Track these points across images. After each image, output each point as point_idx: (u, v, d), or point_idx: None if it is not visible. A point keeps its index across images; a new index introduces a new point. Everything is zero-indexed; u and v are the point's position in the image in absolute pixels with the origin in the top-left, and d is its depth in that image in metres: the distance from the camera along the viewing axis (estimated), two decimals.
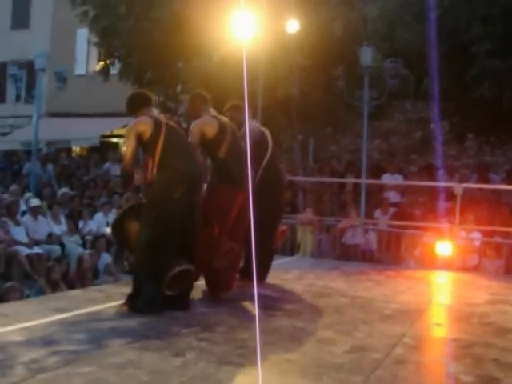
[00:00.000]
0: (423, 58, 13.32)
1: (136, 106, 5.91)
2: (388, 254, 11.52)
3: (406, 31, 15.22)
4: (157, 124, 5.67)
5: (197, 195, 5.75)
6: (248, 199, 6.07)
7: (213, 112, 6.38)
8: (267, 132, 7.23)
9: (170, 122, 5.86)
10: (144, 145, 5.71)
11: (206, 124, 6.19)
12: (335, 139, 21.02)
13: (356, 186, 14.50)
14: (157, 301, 5.56)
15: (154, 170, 5.66)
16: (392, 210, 13.14)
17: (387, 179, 14.64)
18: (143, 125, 5.68)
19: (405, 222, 11.87)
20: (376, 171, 15.69)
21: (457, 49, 13.87)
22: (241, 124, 6.55)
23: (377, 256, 11.65)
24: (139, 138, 5.65)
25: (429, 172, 14.58)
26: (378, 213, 13.01)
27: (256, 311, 5.87)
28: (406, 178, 15.14)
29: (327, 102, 15.27)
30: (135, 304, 5.56)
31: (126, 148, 5.72)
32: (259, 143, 6.85)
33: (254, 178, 6.36)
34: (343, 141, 21.00)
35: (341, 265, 9.95)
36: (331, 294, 7.00)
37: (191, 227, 5.72)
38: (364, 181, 14.27)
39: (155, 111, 5.95)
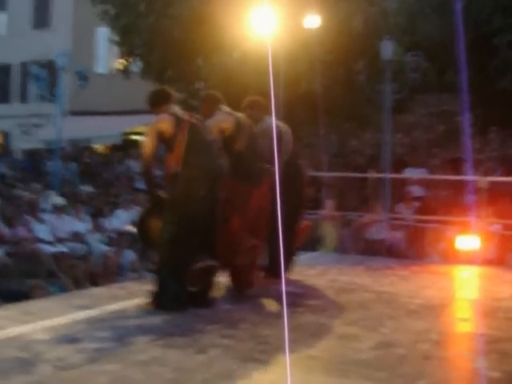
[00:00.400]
0: (445, 50, 13.20)
1: (157, 102, 5.92)
2: (412, 249, 11.43)
3: (426, 24, 15.10)
4: (178, 122, 5.68)
5: (218, 192, 5.75)
6: (266, 195, 6.08)
7: (227, 110, 6.38)
8: (285, 128, 7.19)
9: (192, 120, 5.85)
10: (166, 143, 5.71)
11: (222, 121, 6.20)
12: (357, 134, 20.89)
13: (378, 180, 14.39)
14: (181, 298, 5.57)
15: (176, 168, 5.66)
16: (415, 204, 13.03)
17: (410, 173, 14.52)
18: (164, 123, 5.68)
19: (428, 216, 11.77)
20: (398, 165, 15.57)
21: (479, 40, 13.72)
22: (257, 121, 6.53)
23: (401, 251, 11.56)
24: (160, 136, 5.66)
25: (453, 165, 14.43)
26: (401, 207, 12.91)
27: (281, 308, 5.87)
28: (429, 171, 15.01)
29: (348, 97, 15.20)
30: (159, 301, 5.58)
31: (146, 145, 5.72)
32: (278, 139, 6.81)
33: (275, 174, 6.36)
34: (365, 135, 20.85)
35: (365, 260, 9.89)
36: (355, 290, 6.96)
37: (213, 224, 5.73)
38: (387, 175, 14.16)
39: (176, 108, 5.95)
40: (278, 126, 7.04)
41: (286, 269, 7.13)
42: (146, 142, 5.73)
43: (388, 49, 14.11)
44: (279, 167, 6.66)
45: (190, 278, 5.59)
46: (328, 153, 18.97)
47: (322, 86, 14.49)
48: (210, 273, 5.72)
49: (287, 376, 3.75)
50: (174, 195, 5.70)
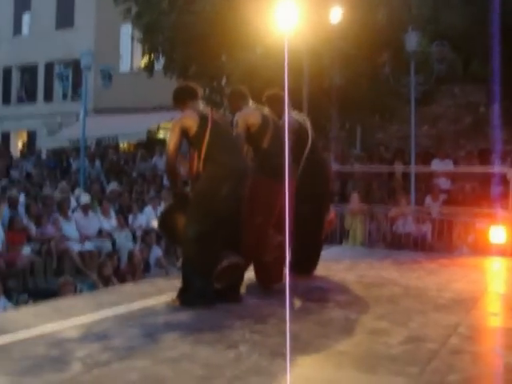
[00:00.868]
0: (470, 40, 13.04)
1: (182, 98, 5.90)
2: (440, 242, 11.34)
3: (451, 13, 14.92)
4: (203, 119, 5.65)
5: (243, 190, 5.73)
6: (291, 191, 6.04)
7: (254, 105, 6.35)
8: (307, 122, 7.12)
9: (216, 117, 5.83)
10: (190, 140, 5.70)
11: (250, 115, 6.14)
12: (383, 126, 20.76)
13: (405, 173, 14.30)
14: (207, 293, 5.57)
15: (201, 165, 5.65)
16: (443, 196, 12.93)
17: (437, 165, 14.41)
18: (189, 120, 5.66)
19: (456, 208, 11.66)
20: (425, 157, 15.46)
21: (507, 29, 13.53)
22: (277, 115, 6.49)
23: (429, 244, 11.47)
24: (184, 133, 5.65)
25: (480, 157, 14.29)
26: (428, 200, 12.82)
27: (310, 303, 5.85)
28: (456, 163, 14.88)
29: (373, 90, 15.10)
30: (185, 298, 5.58)
31: (170, 142, 5.71)
32: (298, 134, 6.76)
33: (295, 169, 6.34)
34: (391, 128, 20.71)
35: (392, 253, 9.80)
36: (384, 284, 6.89)
37: (238, 221, 5.72)
38: (413, 167, 14.06)
39: (201, 105, 5.93)
40: (297, 121, 6.97)
41: (312, 264, 7.12)
42: (170, 138, 5.71)
43: (412, 40, 14.00)
44: (297, 162, 6.63)
45: (216, 275, 5.58)
46: (353, 146, 18.90)
47: (346, 80, 14.41)
48: (236, 270, 5.70)
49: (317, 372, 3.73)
50: (197, 193, 5.69)
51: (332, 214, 7.76)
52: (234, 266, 5.64)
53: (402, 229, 11.87)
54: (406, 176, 14.22)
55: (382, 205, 12.68)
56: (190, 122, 5.64)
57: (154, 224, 9.84)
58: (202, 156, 5.60)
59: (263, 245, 6.10)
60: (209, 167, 5.60)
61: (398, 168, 14.62)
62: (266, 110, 6.36)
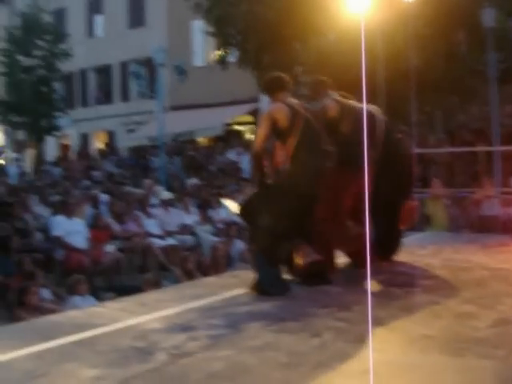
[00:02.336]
0: None
1: (272, 89, 5.96)
2: None
3: None
4: (294, 114, 5.68)
5: (319, 189, 5.77)
6: (367, 180, 5.95)
7: (334, 95, 6.35)
8: (376, 109, 7.00)
9: (306, 111, 5.83)
10: (278, 133, 5.74)
11: (329, 108, 6.17)
12: (463, 108, 20.20)
13: (488, 154, 13.88)
14: (280, 282, 5.65)
15: (284, 161, 5.70)
16: None
17: None
18: (280, 113, 5.69)
19: None
20: (508, 138, 14.95)
21: None
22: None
23: None
24: (274, 126, 5.66)
25: None
26: None
27: (394, 289, 5.74)
28: None
29: (451, 70, 14.71)
30: (260, 287, 5.63)
31: (259, 131, 5.76)
32: (368, 122, 6.67)
33: (373, 157, 6.29)
34: (471, 109, 20.11)
35: (478, 237, 9.55)
36: (471, 268, 6.71)
37: (312, 217, 5.81)
38: (497, 148, 13.62)
39: (292, 99, 5.94)
40: (370, 110, 6.85)
41: (392, 251, 7.00)
42: (260, 129, 5.76)
43: (489, 16, 13.55)
44: (368, 150, 6.52)
45: (298, 273, 5.77)
46: (433, 129, 18.47)
47: (422, 61, 14.09)
48: (318, 267, 5.79)
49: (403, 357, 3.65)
50: (276, 187, 5.75)
51: (413, 202, 7.58)
52: (315, 262, 5.72)
53: (487, 212, 11.53)
54: (489, 158, 13.81)
55: (466, 188, 12.37)
56: (281, 114, 5.68)
57: (232, 207, 9.87)
58: (288, 151, 5.67)
59: (343, 236, 6.17)
60: (291, 164, 5.68)
61: (481, 149, 14.20)
62: (346, 102, 6.33)
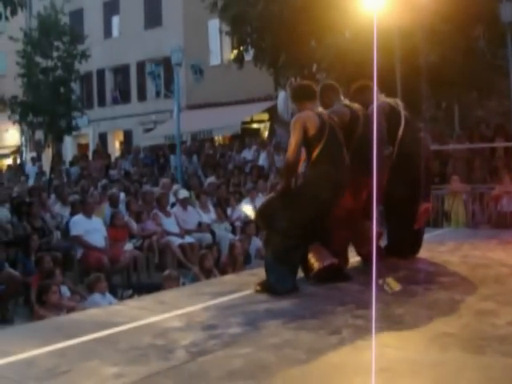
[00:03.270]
0: None
1: (301, 97, 6.06)
2: None
3: None
4: (322, 125, 5.77)
5: (338, 199, 5.87)
6: (375, 181, 5.95)
7: (344, 101, 6.42)
8: (399, 104, 6.96)
9: (332, 122, 5.90)
10: (305, 140, 5.80)
11: (341, 115, 6.17)
12: (481, 103, 20.07)
13: (508, 150, 13.78)
14: (287, 280, 5.67)
15: (307, 166, 5.87)
16: None
17: None
18: (310, 121, 5.78)
19: None
20: None
21: None
22: (366, 105, 6.39)
23: None
24: (305, 133, 5.76)
25: None
26: None
27: (413, 286, 5.72)
28: None
29: (469, 65, 14.60)
30: (268, 284, 5.67)
31: (292, 139, 5.81)
32: (389, 117, 6.63)
33: (389, 156, 6.39)
34: (490, 104, 19.97)
35: (498, 233, 9.48)
36: (490, 265, 6.67)
37: (328, 226, 5.97)
38: None
39: (320, 108, 6.02)
40: (388, 103, 6.82)
41: (411, 248, 6.97)
42: (292, 136, 5.81)
43: (508, 10, 13.47)
44: (392, 145, 6.52)
45: (314, 275, 5.83)
46: (451, 125, 18.35)
47: (439, 57, 14.00)
48: (333, 270, 5.87)
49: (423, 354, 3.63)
50: (297, 194, 5.81)
51: (427, 204, 7.46)
52: (331, 266, 5.83)
53: (507, 208, 11.44)
54: (508, 153, 13.71)
55: (485, 184, 12.29)
56: (311, 123, 5.78)
57: (248, 211, 9.90)
58: (311, 159, 5.79)
59: (361, 238, 6.22)
60: (313, 172, 5.81)
61: (500, 145, 14.09)
62: (357, 106, 6.38)
